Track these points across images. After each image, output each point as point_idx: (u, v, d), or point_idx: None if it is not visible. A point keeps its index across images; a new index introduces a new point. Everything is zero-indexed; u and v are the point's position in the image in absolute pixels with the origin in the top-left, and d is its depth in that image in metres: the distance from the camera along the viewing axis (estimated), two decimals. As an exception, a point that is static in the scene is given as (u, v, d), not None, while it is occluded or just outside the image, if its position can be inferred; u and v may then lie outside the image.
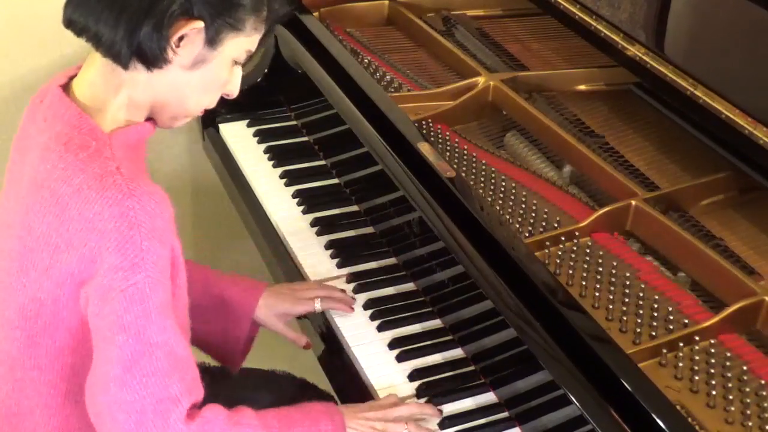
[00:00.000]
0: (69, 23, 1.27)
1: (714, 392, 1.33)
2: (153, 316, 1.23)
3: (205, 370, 1.70)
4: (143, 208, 1.22)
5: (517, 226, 1.62)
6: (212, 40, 1.26)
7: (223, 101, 2.34)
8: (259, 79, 2.28)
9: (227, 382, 1.71)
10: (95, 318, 1.24)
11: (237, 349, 1.68)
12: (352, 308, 1.67)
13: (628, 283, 1.50)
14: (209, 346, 1.68)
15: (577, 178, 1.70)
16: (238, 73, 1.35)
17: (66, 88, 1.33)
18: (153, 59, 1.24)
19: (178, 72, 1.28)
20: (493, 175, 1.74)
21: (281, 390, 1.76)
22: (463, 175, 1.72)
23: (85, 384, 1.29)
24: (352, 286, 1.74)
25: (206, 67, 1.29)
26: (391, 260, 1.81)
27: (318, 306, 1.66)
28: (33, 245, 1.28)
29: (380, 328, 1.65)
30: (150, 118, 1.35)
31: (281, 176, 2.05)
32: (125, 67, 1.26)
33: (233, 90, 1.36)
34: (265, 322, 1.67)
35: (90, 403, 1.29)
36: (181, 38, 1.24)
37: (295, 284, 1.73)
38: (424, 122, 1.84)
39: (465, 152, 1.79)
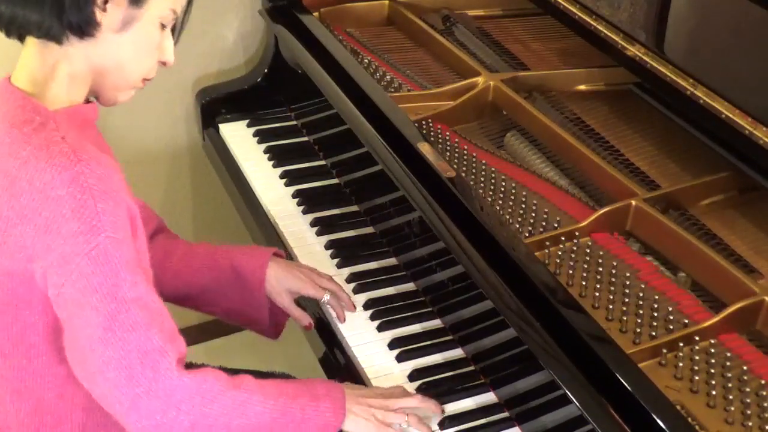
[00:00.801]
0: None
1: (714, 392, 1.33)
2: (122, 273, 1.24)
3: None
4: (93, 171, 1.23)
5: (517, 226, 1.62)
6: None
7: (223, 101, 2.36)
8: (259, 79, 2.28)
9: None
10: (62, 288, 1.24)
11: (263, 316, 1.68)
12: (345, 318, 1.67)
13: (628, 283, 1.50)
14: (239, 318, 1.70)
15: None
16: (169, 39, 1.37)
17: (10, 79, 1.35)
18: (83, 26, 1.26)
19: (110, 36, 1.29)
20: (493, 175, 1.74)
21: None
22: (463, 175, 1.73)
23: (67, 354, 1.29)
24: (352, 286, 1.74)
25: (136, 27, 1.30)
26: (391, 260, 1.81)
27: (326, 298, 1.66)
28: None
29: (380, 328, 1.65)
30: (89, 101, 1.37)
31: (281, 176, 2.05)
32: (59, 41, 1.28)
33: (168, 57, 1.37)
34: (271, 294, 1.66)
35: (79, 370, 1.29)
36: (105, 1, 1.25)
37: (314, 270, 1.71)
38: (424, 122, 1.84)
39: (465, 152, 1.79)
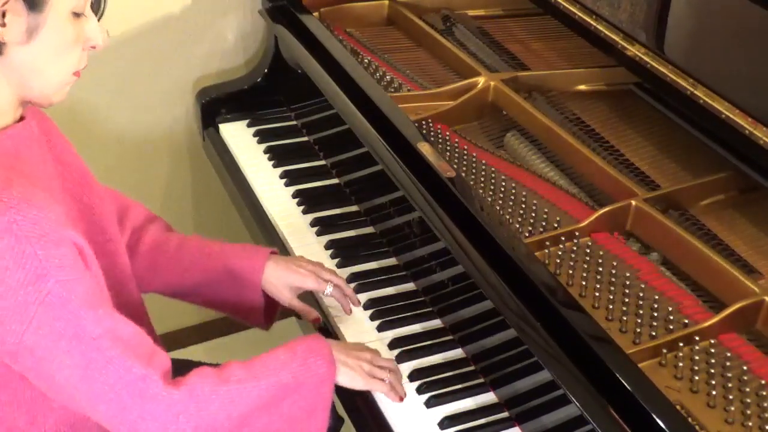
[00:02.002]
0: None
1: (714, 392, 1.33)
2: (82, 312, 1.22)
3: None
4: (25, 217, 1.18)
5: (517, 226, 1.62)
6: (33, 3, 1.20)
7: (223, 101, 2.36)
8: (259, 79, 2.28)
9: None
10: (23, 336, 1.21)
11: (257, 311, 1.67)
12: (351, 310, 1.66)
13: (628, 283, 1.50)
14: (231, 313, 1.68)
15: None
16: (93, 21, 1.29)
17: None
18: None
19: (20, 51, 1.22)
20: (493, 175, 1.74)
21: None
22: (463, 175, 1.73)
23: (50, 394, 1.28)
24: (352, 286, 1.73)
25: (44, 33, 1.22)
26: (391, 260, 1.81)
27: (329, 290, 1.64)
28: None
29: (380, 328, 1.65)
30: (23, 117, 1.31)
31: (281, 176, 2.05)
32: None
33: (96, 40, 1.29)
34: (273, 293, 1.64)
35: (74, 406, 1.29)
36: (3, 15, 1.18)
37: (316, 263, 1.68)
38: (424, 122, 1.84)
39: (465, 152, 1.79)
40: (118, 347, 1.24)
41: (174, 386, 1.28)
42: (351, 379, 1.44)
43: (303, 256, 1.72)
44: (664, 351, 1.38)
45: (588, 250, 1.56)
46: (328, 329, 1.68)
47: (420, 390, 1.53)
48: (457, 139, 1.82)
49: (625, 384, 1.25)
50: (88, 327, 1.22)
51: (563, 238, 1.56)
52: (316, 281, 1.64)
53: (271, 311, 1.69)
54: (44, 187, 1.27)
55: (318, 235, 1.88)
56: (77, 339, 1.22)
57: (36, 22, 1.21)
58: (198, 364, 1.73)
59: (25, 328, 1.21)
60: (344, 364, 1.43)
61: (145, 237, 1.65)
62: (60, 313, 1.20)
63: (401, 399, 1.48)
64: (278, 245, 1.89)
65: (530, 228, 1.61)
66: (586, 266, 1.53)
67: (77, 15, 1.26)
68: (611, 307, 1.46)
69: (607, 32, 1.78)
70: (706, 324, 1.40)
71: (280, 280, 1.63)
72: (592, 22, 1.82)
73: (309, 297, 1.71)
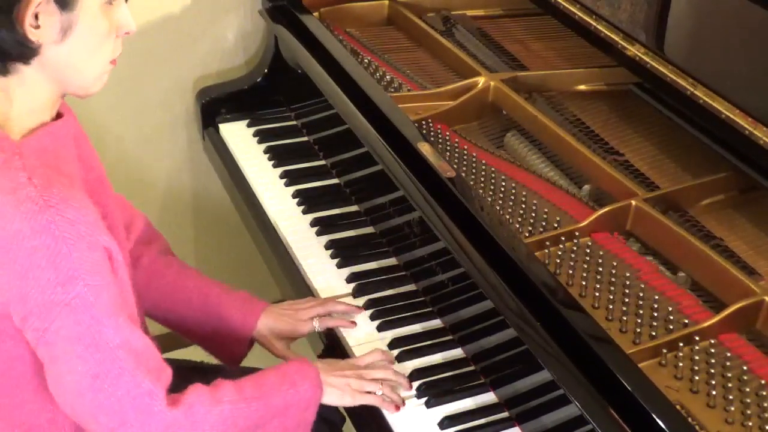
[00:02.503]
0: None
1: (714, 392, 1.33)
2: (104, 320, 1.22)
3: (201, 369, 1.70)
4: (63, 217, 1.19)
5: (517, 226, 1.62)
6: (64, 2, 1.20)
7: (223, 101, 2.36)
8: (259, 79, 2.28)
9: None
10: (45, 333, 1.22)
11: (236, 355, 1.67)
12: (354, 322, 1.65)
13: (628, 283, 1.50)
14: (207, 348, 1.69)
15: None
16: (124, 8, 1.29)
17: None
18: (22, 52, 1.21)
19: (56, 50, 1.23)
20: (493, 175, 1.74)
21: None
22: (463, 175, 1.72)
23: (54, 394, 1.28)
24: (352, 286, 1.74)
25: (78, 29, 1.22)
26: (391, 260, 1.81)
27: (317, 326, 1.64)
28: None
29: (380, 328, 1.65)
30: (60, 114, 1.32)
31: (281, 176, 2.05)
32: (3, 74, 1.23)
33: (129, 27, 1.30)
34: (265, 345, 1.65)
35: (69, 411, 1.29)
36: (36, 17, 1.19)
37: (297, 303, 1.68)
38: (424, 122, 1.84)
39: (465, 152, 1.79)
40: (131, 359, 1.24)
41: (173, 405, 1.28)
42: (339, 398, 1.46)
43: (285, 304, 1.70)
44: (664, 351, 1.38)
45: (588, 250, 1.56)
46: (328, 331, 1.68)
47: (420, 390, 1.53)
48: (457, 139, 1.82)
49: (625, 384, 1.25)
50: (108, 335, 1.22)
51: (563, 238, 1.56)
52: (303, 326, 1.63)
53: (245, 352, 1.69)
54: (77, 188, 1.27)
55: (318, 235, 1.88)
56: (94, 345, 1.22)
57: (69, 20, 1.21)
58: (197, 364, 1.74)
59: (47, 327, 1.21)
60: (330, 385, 1.44)
61: (146, 254, 1.65)
62: (83, 317, 1.21)
63: (397, 408, 1.48)
64: (278, 245, 1.89)
65: (530, 228, 1.61)
66: (586, 266, 1.53)
67: (109, 3, 1.26)
68: (611, 307, 1.46)
69: (607, 32, 1.78)
70: (706, 324, 1.40)
71: (271, 333, 1.63)
72: (592, 22, 1.82)
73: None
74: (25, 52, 1.21)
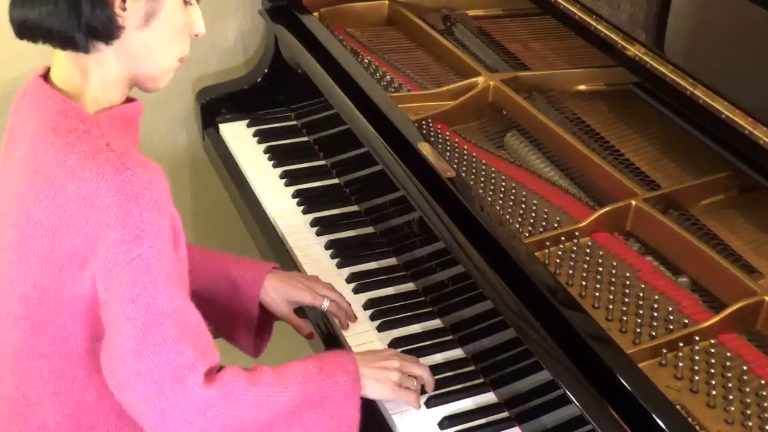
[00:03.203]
0: (20, 26, 1.28)
1: (714, 392, 1.33)
2: (160, 286, 1.24)
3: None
4: (139, 180, 1.24)
5: (517, 226, 1.62)
6: None
7: (223, 101, 2.36)
8: (258, 79, 2.28)
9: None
10: (104, 294, 1.25)
11: (249, 331, 1.68)
12: (350, 322, 1.66)
13: (628, 283, 1.50)
14: (224, 327, 1.69)
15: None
16: (197, 11, 1.37)
17: (46, 78, 1.34)
18: (107, 32, 1.26)
19: (136, 35, 1.29)
20: (493, 175, 1.74)
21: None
22: (463, 175, 1.72)
23: (101, 360, 1.30)
24: (352, 286, 1.74)
25: (160, 18, 1.30)
26: (391, 260, 1.81)
27: (326, 305, 1.65)
28: (32, 232, 1.28)
29: (380, 328, 1.65)
30: (130, 99, 1.37)
31: (281, 176, 2.05)
32: (86, 50, 1.28)
33: (199, 29, 1.38)
34: (270, 305, 1.65)
35: (109, 377, 1.30)
36: (124, 0, 1.25)
37: (312, 277, 1.71)
38: (424, 122, 1.84)
39: (465, 152, 1.79)
40: (179, 330, 1.25)
41: (210, 383, 1.28)
42: (379, 391, 1.45)
43: (299, 273, 1.72)
44: (664, 351, 1.38)
45: (588, 250, 1.56)
46: (329, 331, 1.68)
47: (420, 390, 1.53)
48: (457, 139, 1.82)
49: (625, 384, 1.25)
50: (160, 300, 1.24)
51: (563, 238, 1.56)
52: (313, 296, 1.65)
53: (262, 338, 1.71)
54: None
55: (318, 235, 1.88)
56: (145, 308, 1.23)
57: (153, 8, 1.28)
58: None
59: (107, 286, 1.24)
60: (370, 378, 1.44)
61: None
62: (140, 278, 1.23)
63: (419, 407, 1.49)
64: (278, 245, 1.89)
65: (530, 228, 1.61)
66: (586, 266, 1.53)
67: (187, 3, 1.34)
68: (611, 307, 1.46)
69: (606, 32, 1.78)
70: (706, 324, 1.40)
71: (278, 294, 1.65)
72: (592, 22, 1.82)
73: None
74: (111, 32, 1.26)
